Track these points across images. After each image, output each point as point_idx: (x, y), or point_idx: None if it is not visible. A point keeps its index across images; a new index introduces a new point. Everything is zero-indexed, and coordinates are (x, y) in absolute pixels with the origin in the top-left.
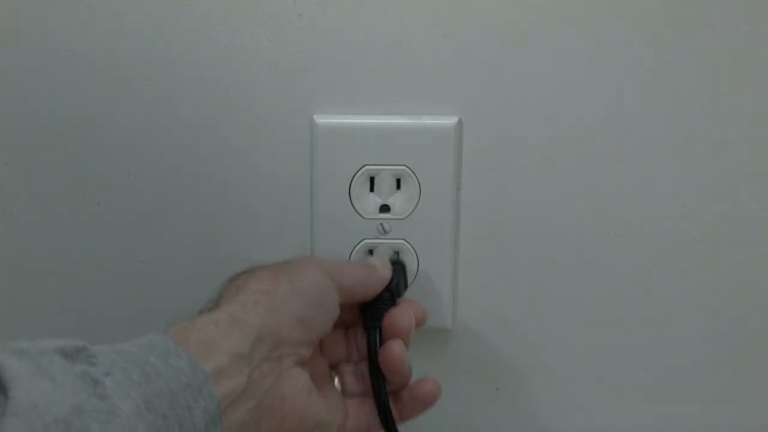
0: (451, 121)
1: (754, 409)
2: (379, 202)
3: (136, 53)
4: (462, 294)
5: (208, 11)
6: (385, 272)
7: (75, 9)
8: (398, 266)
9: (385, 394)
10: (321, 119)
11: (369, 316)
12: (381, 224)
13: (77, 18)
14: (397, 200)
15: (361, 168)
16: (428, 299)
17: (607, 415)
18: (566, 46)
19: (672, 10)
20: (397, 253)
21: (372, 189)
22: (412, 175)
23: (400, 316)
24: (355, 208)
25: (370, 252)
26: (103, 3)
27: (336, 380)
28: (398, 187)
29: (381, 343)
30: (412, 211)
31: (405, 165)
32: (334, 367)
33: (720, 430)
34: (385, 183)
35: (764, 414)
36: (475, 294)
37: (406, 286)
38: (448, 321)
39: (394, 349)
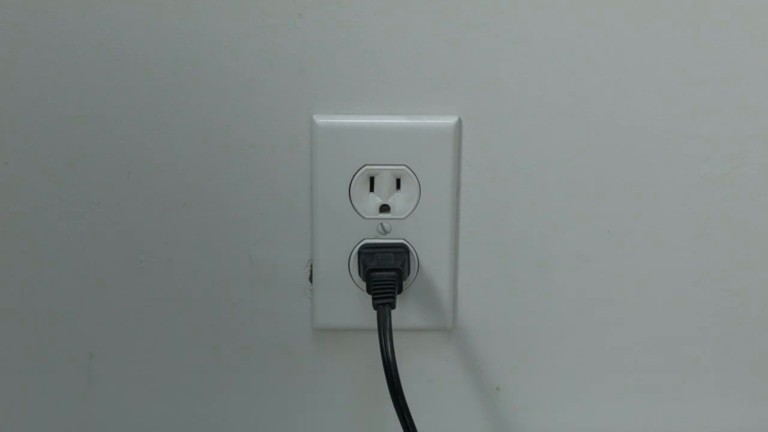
0: (450, 120)
1: (755, 409)
2: (379, 202)
3: (135, 53)
4: (462, 294)
5: (207, 11)
6: None
7: (74, 9)
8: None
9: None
10: (321, 119)
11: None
12: (381, 224)
13: (77, 18)
14: (397, 200)
15: (360, 168)
16: (428, 299)
17: (607, 415)
18: (566, 46)
19: (677, 9)
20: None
21: (372, 189)
22: (412, 175)
23: None
24: (355, 208)
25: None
26: (102, 3)
27: None
28: (398, 187)
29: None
30: (412, 211)
31: (405, 165)
32: None
33: (720, 430)
34: (384, 183)
35: (765, 414)
36: (475, 294)
37: (409, 272)
38: (448, 321)
39: None
